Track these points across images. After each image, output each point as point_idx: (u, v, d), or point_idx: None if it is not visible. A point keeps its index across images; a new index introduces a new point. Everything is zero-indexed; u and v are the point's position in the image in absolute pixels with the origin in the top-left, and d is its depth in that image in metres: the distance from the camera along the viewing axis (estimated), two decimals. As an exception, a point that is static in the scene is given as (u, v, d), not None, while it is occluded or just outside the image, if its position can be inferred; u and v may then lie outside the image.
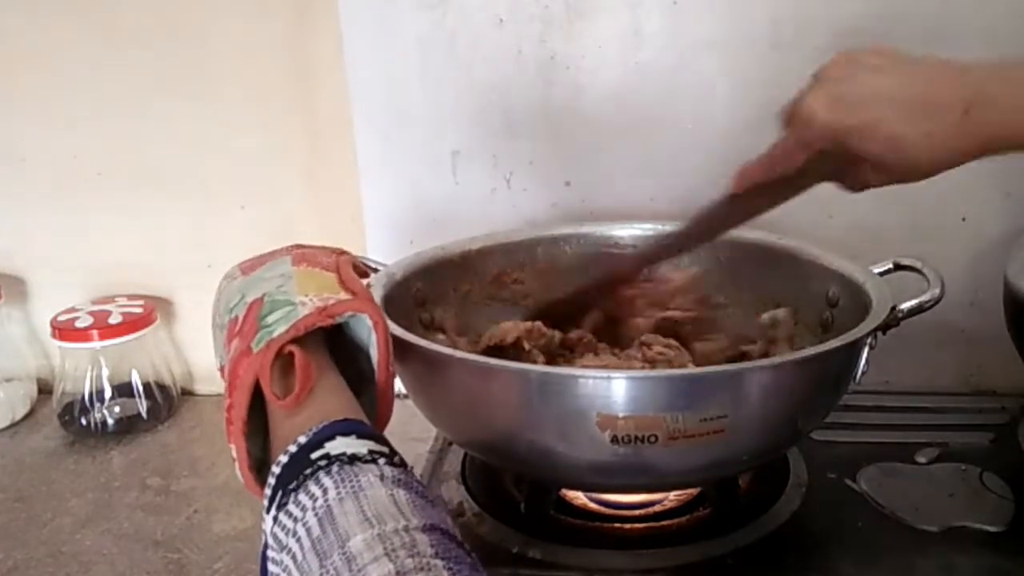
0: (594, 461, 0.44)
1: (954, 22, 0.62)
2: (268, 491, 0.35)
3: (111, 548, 0.57)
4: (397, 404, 0.46)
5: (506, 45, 0.66)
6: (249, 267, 0.46)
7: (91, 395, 0.70)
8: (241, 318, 0.42)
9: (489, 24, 0.66)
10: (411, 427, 0.70)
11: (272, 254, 0.47)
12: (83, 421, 0.70)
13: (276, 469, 0.35)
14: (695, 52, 0.65)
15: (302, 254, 0.46)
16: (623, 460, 0.43)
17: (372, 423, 0.38)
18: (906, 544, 0.49)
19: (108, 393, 0.71)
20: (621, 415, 0.41)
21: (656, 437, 0.41)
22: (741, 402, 0.43)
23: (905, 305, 0.47)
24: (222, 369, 0.43)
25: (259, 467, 0.40)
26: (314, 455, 0.34)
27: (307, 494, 0.33)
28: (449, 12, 0.66)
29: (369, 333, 0.41)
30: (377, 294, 0.53)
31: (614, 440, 0.42)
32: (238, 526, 0.59)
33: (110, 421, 0.71)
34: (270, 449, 0.40)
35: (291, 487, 0.34)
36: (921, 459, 0.57)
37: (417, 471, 0.59)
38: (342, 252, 0.48)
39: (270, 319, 0.40)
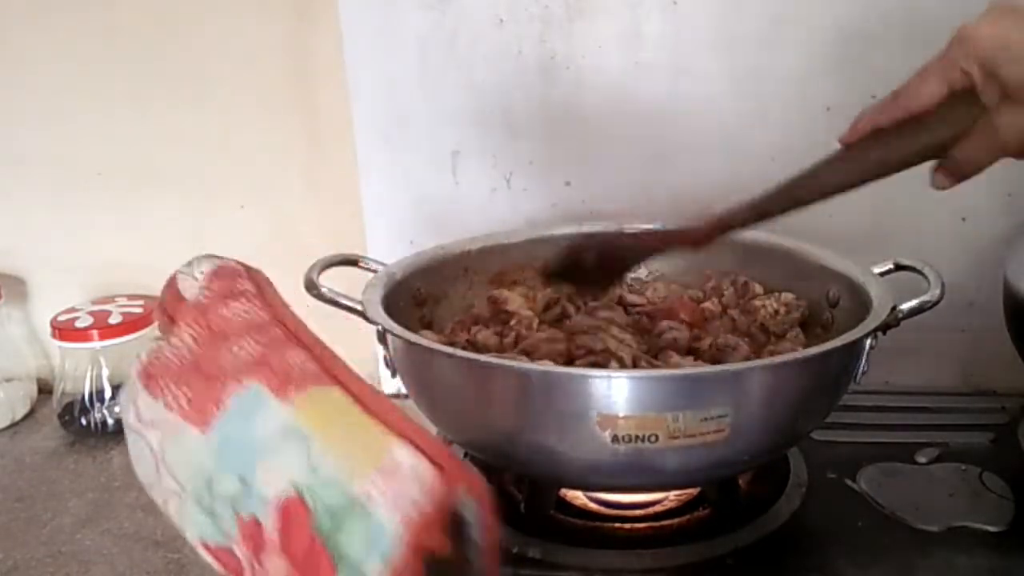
0: (594, 461, 0.44)
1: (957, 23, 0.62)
2: None
3: (111, 548, 0.57)
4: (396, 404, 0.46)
5: (506, 45, 0.66)
6: (199, 408, 0.32)
7: (91, 395, 0.70)
8: (273, 527, 0.30)
9: (489, 24, 0.66)
10: None
11: (210, 367, 0.33)
12: (83, 421, 0.70)
13: None
14: (695, 52, 0.65)
15: (265, 369, 0.33)
16: (624, 460, 0.43)
17: None
18: (906, 544, 0.49)
19: (108, 393, 0.70)
20: (622, 415, 0.41)
21: (657, 437, 0.41)
22: (742, 402, 0.43)
23: (905, 305, 0.47)
24: (205, 545, 0.33)
25: None
26: None
27: None
28: (449, 12, 0.66)
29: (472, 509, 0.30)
30: (377, 294, 0.53)
31: (615, 440, 0.42)
32: (238, 526, 0.59)
33: (110, 421, 0.70)
34: None
35: None
36: (921, 459, 0.57)
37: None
38: (261, 294, 0.36)
39: (346, 546, 0.28)
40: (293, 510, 0.29)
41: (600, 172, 0.68)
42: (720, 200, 0.69)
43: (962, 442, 0.59)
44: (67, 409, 0.71)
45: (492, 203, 0.69)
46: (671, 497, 0.53)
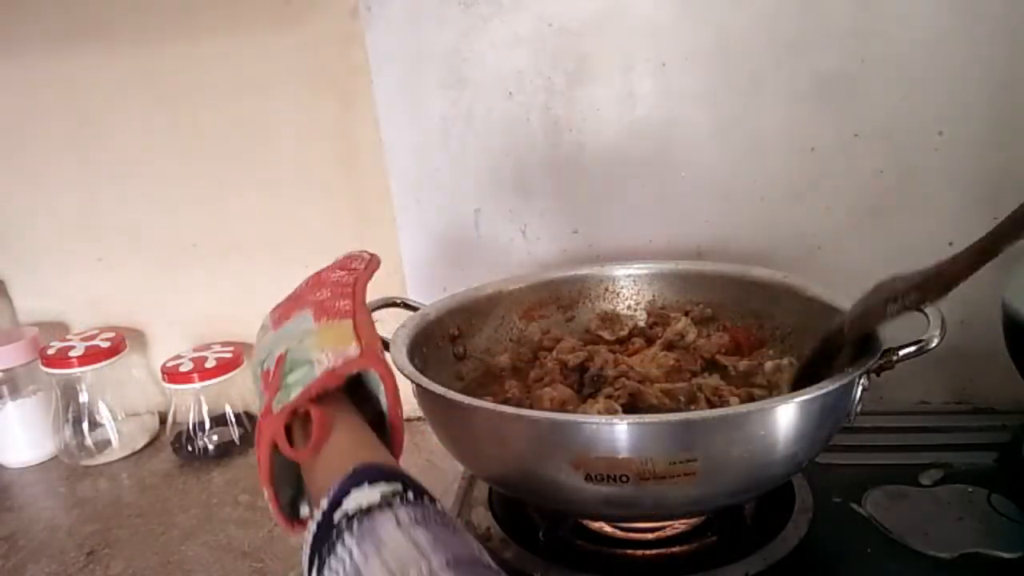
0: (576, 497, 0.36)
1: (933, 70, 0.51)
2: (305, 559, 0.29)
3: (207, 558, 0.52)
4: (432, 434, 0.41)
5: (516, 114, 0.59)
6: (278, 318, 0.41)
7: (194, 426, 0.66)
8: (272, 371, 0.37)
9: (500, 97, 0.58)
10: (440, 455, 0.62)
11: (295, 300, 0.42)
12: (189, 448, 0.66)
13: (308, 536, 0.30)
14: (683, 107, 0.56)
15: (321, 305, 0.40)
16: (603, 497, 0.35)
17: (389, 449, 0.35)
18: (918, 572, 0.38)
19: (208, 424, 0.66)
20: (592, 455, 0.33)
21: (627, 477, 0.33)
22: (710, 446, 0.34)
23: (903, 351, 0.36)
24: (260, 376, 0.40)
25: (294, 502, 0.37)
26: (335, 516, 0.29)
27: (336, 559, 0.27)
28: (466, 90, 0.59)
29: (378, 382, 0.36)
30: (405, 335, 0.47)
31: (588, 479, 0.34)
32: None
33: (210, 447, 0.66)
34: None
35: (323, 552, 0.28)
36: (925, 481, 0.45)
37: (448, 499, 0.52)
38: (350, 270, 0.43)
39: (290, 379, 0.36)
40: (280, 360, 0.37)
41: (603, 220, 0.59)
42: (714, 239, 0.60)
43: (966, 462, 0.47)
44: (177, 438, 0.67)
45: (510, 251, 0.62)
46: (675, 524, 0.43)
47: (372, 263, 0.45)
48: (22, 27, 0.64)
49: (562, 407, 0.42)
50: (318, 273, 0.44)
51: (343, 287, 0.41)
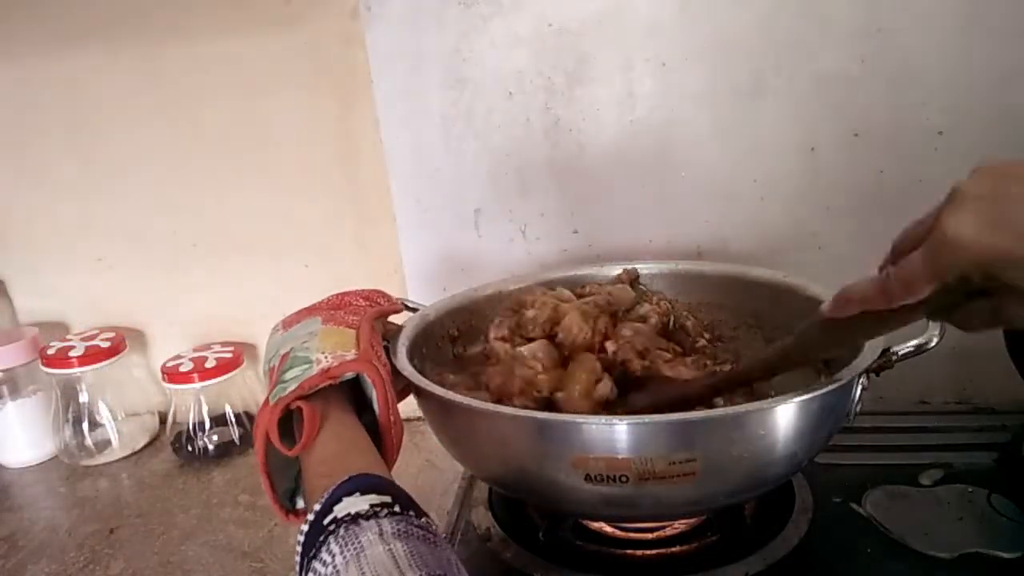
0: (575, 497, 0.36)
1: (933, 70, 0.51)
2: (297, 558, 0.30)
3: (208, 558, 0.52)
4: (432, 434, 0.42)
5: (516, 114, 0.58)
6: (290, 322, 0.44)
7: (194, 426, 0.66)
8: (275, 368, 0.39)
9: (500, 97, 0.58)
10: (440, 454, 0.62)
11: (311, 309, 0.45)
12: (189, 448, 0.66)
13: (300, 538, 0.30)
14: (684, 107, 0.56)
15: (332, 314, 0.43)
16: (603, 497, 0.35)
17: (383, 453, 0.36)
18: (918, 572, 0.38)
19: (208, 424, 0.66)
20: (592, 455, 0.33)
21: (627, 477, 0.33)
22: (710, 446, 0.34)
23: (902, 350, 0.36)
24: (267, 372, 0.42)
25: (292, 495, 0.39)
26: (326, 521, 0.29)
27: (320, 561, 0.28)
28: (466, 90, 0.59)
29: (371, 387, 0.37)
30: (410, 334, 0.47)
31: (587, 479, 0.34)
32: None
33: (210, 447, 0.66)
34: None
35: (311, 555, 0.29)
36: (925, 481, 0.45)
37: (448, 499, 0.53)
38: (374, 302, 0.45)
39: (288, 375, 0.37)
40: (283, 359, 0.39)
41: (603, 220, 0.59)
42: (714, 239, 0.60)
43: (965, 462, 0.47)
44: (177, 438, 0.67)
45: (510, 252, 0.62)
46: (675, 524, 0.43)
47: (394, 305, 0.48)
48: (22, 28, 0.64)
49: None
50: (343, 293, 0.47)
51: (359, 309, 0.44)
